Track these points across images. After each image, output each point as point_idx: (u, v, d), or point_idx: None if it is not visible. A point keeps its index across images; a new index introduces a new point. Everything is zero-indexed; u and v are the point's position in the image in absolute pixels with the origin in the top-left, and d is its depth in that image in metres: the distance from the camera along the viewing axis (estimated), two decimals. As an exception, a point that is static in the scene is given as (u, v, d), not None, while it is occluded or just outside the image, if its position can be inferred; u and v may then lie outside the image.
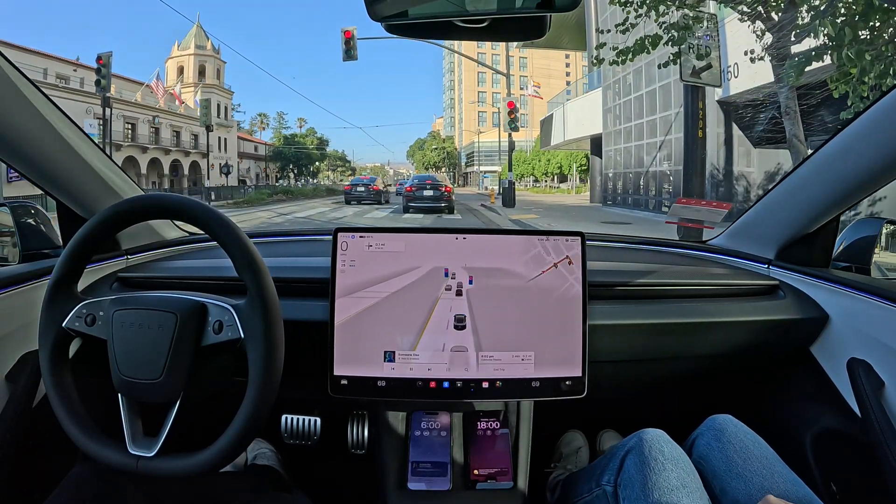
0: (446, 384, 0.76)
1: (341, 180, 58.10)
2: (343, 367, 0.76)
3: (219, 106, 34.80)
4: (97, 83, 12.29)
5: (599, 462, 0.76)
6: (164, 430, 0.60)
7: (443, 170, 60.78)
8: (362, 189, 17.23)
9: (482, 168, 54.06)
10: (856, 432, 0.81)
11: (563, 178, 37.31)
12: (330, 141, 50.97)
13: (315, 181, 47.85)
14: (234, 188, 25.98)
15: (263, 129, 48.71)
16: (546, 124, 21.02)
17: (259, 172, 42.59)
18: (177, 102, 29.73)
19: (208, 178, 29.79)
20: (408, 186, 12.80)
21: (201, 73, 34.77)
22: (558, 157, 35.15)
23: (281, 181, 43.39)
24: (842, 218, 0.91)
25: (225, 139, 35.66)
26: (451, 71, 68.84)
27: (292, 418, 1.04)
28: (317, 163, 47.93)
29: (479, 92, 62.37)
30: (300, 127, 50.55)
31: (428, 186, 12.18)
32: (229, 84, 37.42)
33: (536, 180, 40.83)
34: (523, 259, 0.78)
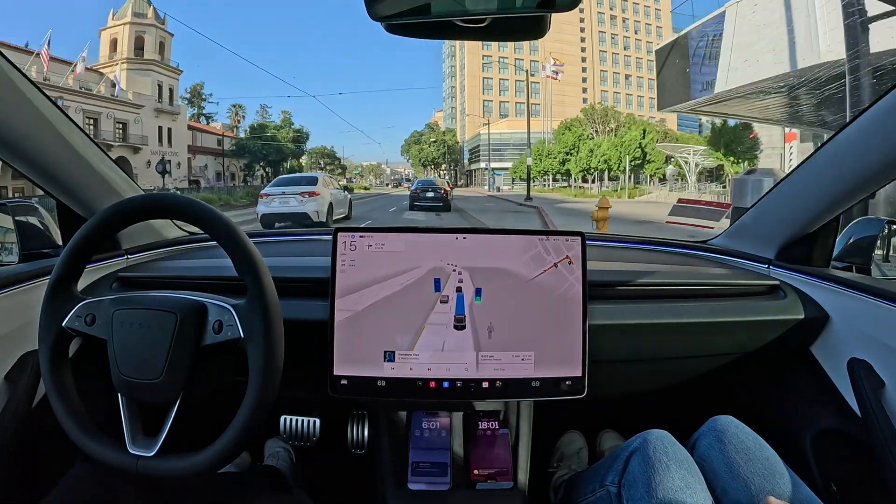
0: (446, 384, 0.76)
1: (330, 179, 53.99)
2: (343, 367, 0.76)
3: (160, 87, 27.58)
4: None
5: (603, 462, 0.76)
6: (164, 429, 0.60)
7: (443, 167, 53.03)
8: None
9: (492, 165, 45.12)
10: (856, 432, 0.81)
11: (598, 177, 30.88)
12: (311, 133, 43.22)
13: None
14: (181, 191, 17.92)
15: (239, 122, 41.02)
16: (671, 61, 10.10)
17: (221, 170, 35.38)
18: (74, 74, 22.31)
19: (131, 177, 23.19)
20: (413, 189, 15.68)
21: (139, 46, 27.24)
22: (602, 147, 28.56)
23: (248, 181, 36.53)
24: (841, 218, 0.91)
25: (168, 129, 27.92)
26: (451, 56, 59.75)
27: (291, 419, 1.04)
28: (292, 159, 40.47)
29: (483, 78, 54.04)
30: (284, 122, 41.93)
31: (429, 189, 14.91)
32: (177, 62, 30.04)
33: (563, 178, 33.85)
34: (523, 259, 0.78)
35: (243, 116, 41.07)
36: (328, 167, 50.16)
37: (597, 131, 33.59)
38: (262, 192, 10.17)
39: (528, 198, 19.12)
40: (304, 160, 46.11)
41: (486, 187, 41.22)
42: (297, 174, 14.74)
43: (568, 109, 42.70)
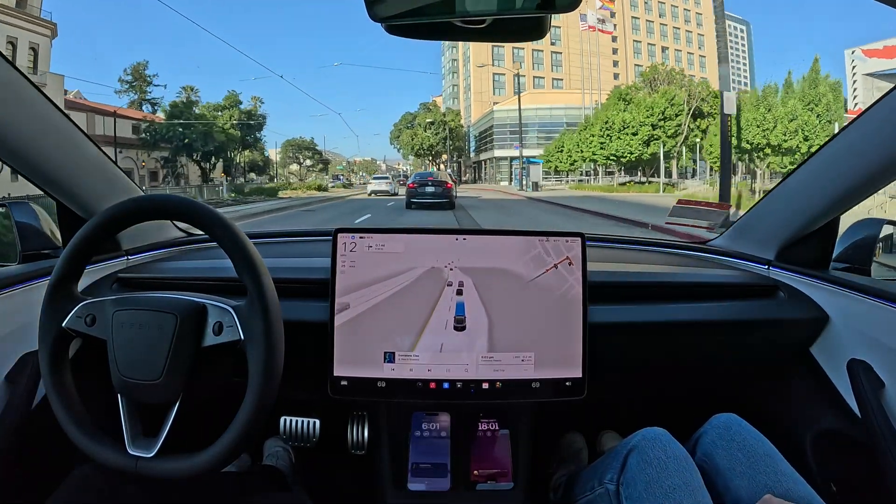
0: (446, 385, 0.76)
1: (313, 178, 38.84)
2: (343, 368, 0.76)
3: (13, 46, 17.65)
4: None
5: (602, 461, 0.76)
6: (164, 430, 0.60)
7: (443, 157, 40.30)
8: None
9: (524, 153, 29.73)
10: (856, 433, 0.81)
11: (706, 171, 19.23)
12: (267, 115, 31.28)
13: (262, 179, 31.02)
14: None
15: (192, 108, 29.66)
16: None
17: (136, 166, 24.73)
18: None
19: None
20: (409, 183, 12.77)
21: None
22: (789, 106, 14.65)
23: (169, 180, 26.12)
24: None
25: (28, 109, 17.65)
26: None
27: (291, 420, 1.04)
28: (245, 150, 30.53)
29: (493, 46, 38.86)
30: (228, 101, 29.97)
31: (429, 183, 12.16)
32: (49, 12, 19.09)
33: (624, 170, 22.11)
34: (523, 260, 0.78)
35: (196, 102, 29.22)
36: (307, 161, 42.08)
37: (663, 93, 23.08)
38: (371, 178, 19.93)
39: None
40: (274, 153, 36.22)
41: (512, 183, 27.62)
42: (381, 174, 26.96)
43: (595, 84, 33.54)
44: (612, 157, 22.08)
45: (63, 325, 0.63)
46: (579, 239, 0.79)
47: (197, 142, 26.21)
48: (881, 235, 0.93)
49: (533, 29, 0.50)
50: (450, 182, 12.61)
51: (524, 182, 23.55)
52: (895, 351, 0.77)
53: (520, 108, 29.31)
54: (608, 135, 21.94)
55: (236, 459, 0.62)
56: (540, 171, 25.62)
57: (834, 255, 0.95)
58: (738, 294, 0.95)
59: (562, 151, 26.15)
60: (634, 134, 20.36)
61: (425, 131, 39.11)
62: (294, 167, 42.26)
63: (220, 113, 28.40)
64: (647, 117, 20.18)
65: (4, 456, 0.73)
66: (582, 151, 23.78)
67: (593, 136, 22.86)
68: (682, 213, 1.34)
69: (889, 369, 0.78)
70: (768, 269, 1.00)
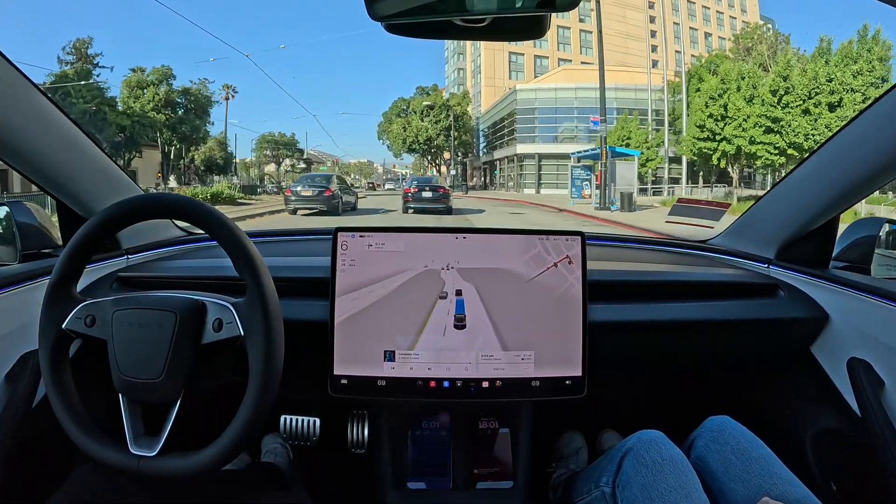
0: (446, 384, 0.76)
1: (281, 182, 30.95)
2: (343, 367, 0.76)
3: None
4: None
5: (598, 463, 0.76)
6: (165, 429, 0.60)
7: (446, 155, 31.94)
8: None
9: (549, 147, 23.06)
10: (856, 432, 0.81)
11: None
12: (214, 102, 24.98)
13: (227, 180, 23.85)
14: None
15: (141, 95, 22.19)
16: None
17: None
18: None
19: None
20: (407, 188, 12.91)
21: None
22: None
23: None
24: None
25: None
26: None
27: (291, 419, 1.04)
28: (186, 145, 23.95)
29: None
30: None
31: (426, 188, 12.31)
32: None
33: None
34: (523, 259, 0.78)
35: (152, 85, 22.51)
36: (286, 160, 35.53)
37: (764, 67, 16.67)
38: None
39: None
40: (247, 155, 30.31)
41: (569, 194, 15.86)
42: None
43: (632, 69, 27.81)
44: (791, 149, 11.97)
45: (63, 326, 0.63)
46: (579, 238, 0.79)
47: (88, 121, 18.06)
48: (880, 234, 0.93)
49: (533, 27, 0.50)
50: (446, 188, 12.97)
51: (606, 194, 12.48)
52: (895, 350, 0.77)
53: (601, 55, 14.32)
54: (787, 105, 11.70)
55: (239, 457, 0.62)
56: (635, 172, 13.50)
57: (834, 254, 0.95)
58: (738, 293, 0.95)
59: (627, 145, 17.76)
60: (833, 107, 11.00)
61: (422, 119, 29.34)
62: (271, 168, 36.12)
63: (144, 91, 21.73)
64: (854, 77, 10.54)
65: (4, 456, 0.73)
66: (719, 138, 13.58)
67: (746, 107, 12.74)
68: (682, 212, 1.34)
69: (889, 368, 0.78)
70: (768, 267, 1.00)
